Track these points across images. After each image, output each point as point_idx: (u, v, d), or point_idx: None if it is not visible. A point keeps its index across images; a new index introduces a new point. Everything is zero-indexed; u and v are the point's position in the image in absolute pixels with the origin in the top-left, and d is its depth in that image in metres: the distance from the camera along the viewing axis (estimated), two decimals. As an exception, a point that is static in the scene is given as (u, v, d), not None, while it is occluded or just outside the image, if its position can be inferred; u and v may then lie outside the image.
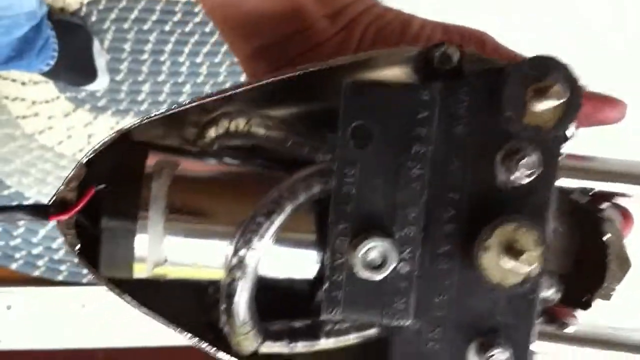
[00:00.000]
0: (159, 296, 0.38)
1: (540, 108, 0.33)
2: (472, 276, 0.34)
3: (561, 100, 0.33)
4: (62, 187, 0.37)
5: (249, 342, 0.37)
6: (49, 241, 1.67)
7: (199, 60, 1.68)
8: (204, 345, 0.37)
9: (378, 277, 0.34)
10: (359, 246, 0.34)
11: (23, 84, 1.63)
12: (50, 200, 0.37)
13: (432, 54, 0.35)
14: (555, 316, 0.40)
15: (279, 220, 0.36)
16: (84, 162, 0.37)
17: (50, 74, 1.54)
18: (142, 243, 0.37)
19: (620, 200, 0.40)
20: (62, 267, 1.67)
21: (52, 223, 0.38)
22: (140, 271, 0.37)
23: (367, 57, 0.37)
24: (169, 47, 1.67)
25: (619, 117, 0.40)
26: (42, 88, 1.64)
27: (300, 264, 0.38)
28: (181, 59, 1.67)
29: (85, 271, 1.68)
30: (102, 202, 0.37)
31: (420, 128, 0.35)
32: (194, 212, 0.37)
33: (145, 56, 1.66)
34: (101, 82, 1.62)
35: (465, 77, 0.35)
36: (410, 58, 0.37)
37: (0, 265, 1.66)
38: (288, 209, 0.36)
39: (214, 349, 0.37)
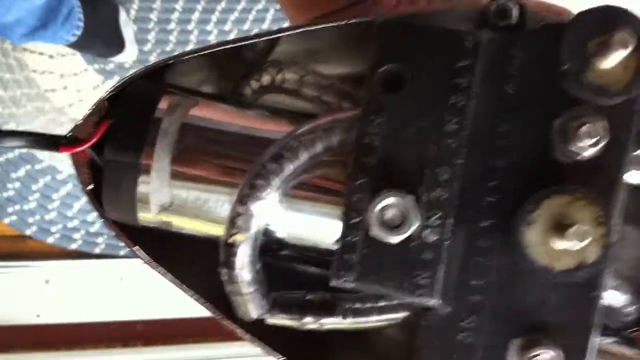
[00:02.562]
0: (178, 256, 0.35)
1: (606, 64, 0.29)
2: (518, 259, 0.30)
3: (628, 50, 0.28)
4: (80, 122, 0.35)
5: (251, 306, 0.34)
6: (85, 214, 1.66)
7: (227, 28, 1.65)
8: (211, 309, 0.35)
9: (395, 239, 0.30)
10: (375, 201, 0.30)
11: (51, 57, 1.61)
12: (67, 134, 0.35)
13: (489, 8, 0.32)
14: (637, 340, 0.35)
15: (290, 168, 0.32)
16: (106, 97, 0.35)
17: (77, 46, 1.52)
18: (146, 181, 0.34)
19: None
20: (99, 240, 1.67)
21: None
22: (144, 214, 0.35)
23: (422, 14, 0.33)
24: (195, 16, 1.63)
25: None
26: (69, 60, 1.62)
27: (320, 227, 0.34)
28: (209, 28, 1.64)
29: (122, 243, 1.70)
30: (109, 133, 0.34)
31: (460, 78, 0.30)
32: (205, 155, 0.34)
33: (172, 25, 1.64)
34: (129, 53, 1.60)
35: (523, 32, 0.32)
36: (471, 16, 0.33)
37: (37, 240, 1.66)
38: (302, 157, 0.32)
39: (221, 316, 0.35)
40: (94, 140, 0.35)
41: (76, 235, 1.67)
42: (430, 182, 0.30)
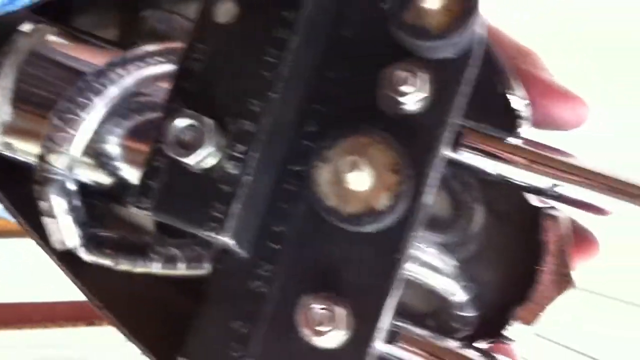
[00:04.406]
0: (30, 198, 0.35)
1: (426, 3, 0.27)
2: (310, 199, 0.28)
3: None
4: None
5: (64, 233, 0.32)
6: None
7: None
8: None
9: (188, 160, 0.28)
10: (174, 118, 0.28)
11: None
12: None
13: None
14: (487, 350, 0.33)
15: (112, 90, 0.31)
16: None
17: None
18: None
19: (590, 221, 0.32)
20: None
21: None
22: None
23: None
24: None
25: (574, 120, 0.32)
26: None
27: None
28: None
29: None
30: None
31: (287, 12, 0.29)
32: (51, 79, 0.34)
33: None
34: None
35: None
36: None
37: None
38: (127, 80, 0.32)
39: (42, 242, 0.33)
40: None
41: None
42: (240, 112, 0.29)
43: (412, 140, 0.28)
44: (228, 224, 0.28)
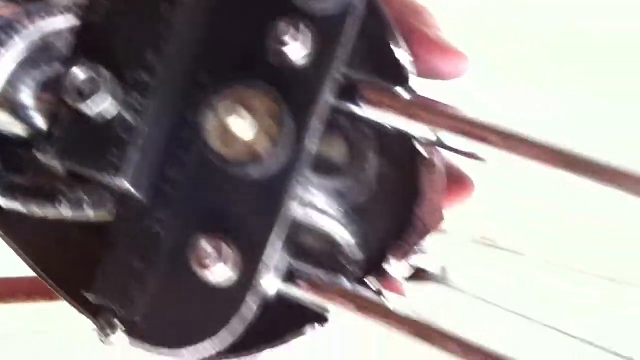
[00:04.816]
0: None
1: None
2: (199, 146, 0.30)
3: None
4: None
5: None
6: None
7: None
8: None
9: (85, 108, 0.30)
10: (72, 69, 0.30)
11: None
12: None
13: None
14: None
15: (16, 42, 0.33)
16: None
17: None
18: None
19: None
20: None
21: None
22: None
23: None
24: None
25: (454, 72, 0.34)
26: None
27: None
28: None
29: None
30: None
31: None
32: None
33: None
34: None
35: None
36: None
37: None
38: (32, 33, 0.33)
39: None
40: None
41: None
42: (135, 63, 0.30)
43: (295, 91, 0.30)
44: (125, 168, 0.30)
